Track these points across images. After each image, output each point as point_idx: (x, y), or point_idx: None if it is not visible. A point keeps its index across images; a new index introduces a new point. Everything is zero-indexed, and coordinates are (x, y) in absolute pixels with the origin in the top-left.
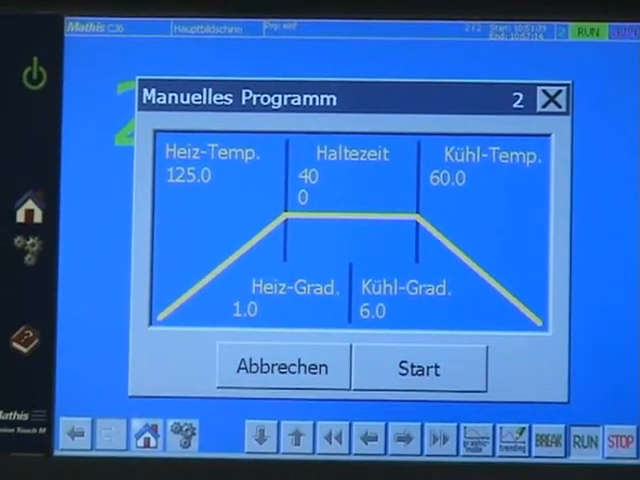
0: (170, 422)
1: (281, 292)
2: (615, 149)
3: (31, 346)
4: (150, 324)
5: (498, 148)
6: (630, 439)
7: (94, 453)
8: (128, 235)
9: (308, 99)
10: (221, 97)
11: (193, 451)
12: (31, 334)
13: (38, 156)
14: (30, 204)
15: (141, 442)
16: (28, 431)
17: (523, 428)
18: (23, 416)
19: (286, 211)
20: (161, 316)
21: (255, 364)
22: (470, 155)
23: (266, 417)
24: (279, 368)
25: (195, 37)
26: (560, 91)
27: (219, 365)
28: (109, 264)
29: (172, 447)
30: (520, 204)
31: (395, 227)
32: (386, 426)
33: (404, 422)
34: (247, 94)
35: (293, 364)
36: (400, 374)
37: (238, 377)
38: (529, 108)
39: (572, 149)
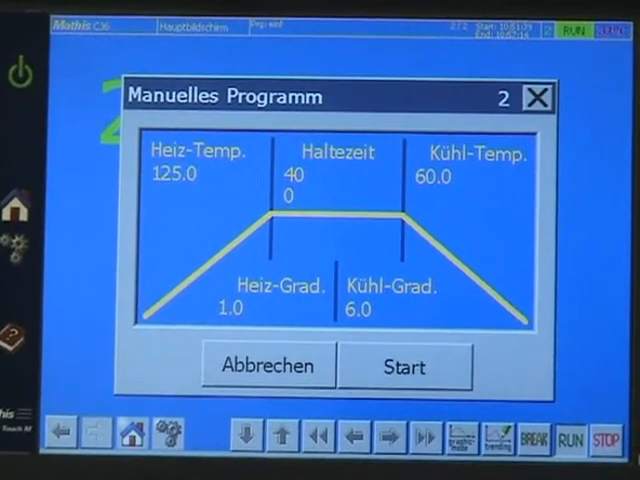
0: (156, 420)
1: (267, 290)
2: (600, 147)
3: (16, 344)
4: (136, 322)
5: (484, 146)
6: (616, 437)
7: (80, 451)
8: (114, 233)
9: (294, 97)
10: (207, 95)
11: (179, 449)
12: (16, 332)
13: (24, 154)
14: (16, 202)
15: (127, 440)
16: (14, 429)
17: (509, 427)
18: (8, 414)
19: (272, 209)
20: (147, 314)
21: (241, 362)
22: (456, 154)
23: (252, 415)
24: (265, 366)
25: (181, 35)
26: (546, 90)
27: (205, 363)
28: (95, 262)
29: (158, 445)
30: (506, 202)
31: (381, 225)
32: (371, 424)
33: (389, 420)
34: (233, 92)
35: (279, 362)
36: (386, 372)
37: (224, 375)
38: (515, 107)
39: (558, 148)
